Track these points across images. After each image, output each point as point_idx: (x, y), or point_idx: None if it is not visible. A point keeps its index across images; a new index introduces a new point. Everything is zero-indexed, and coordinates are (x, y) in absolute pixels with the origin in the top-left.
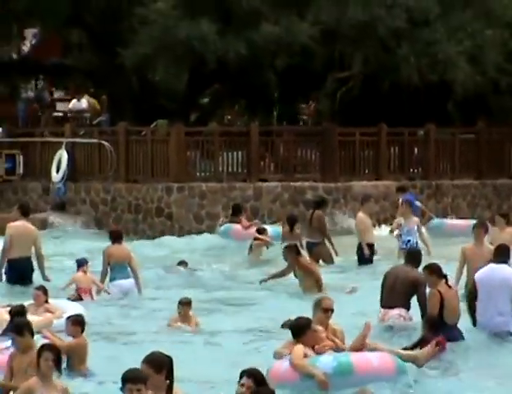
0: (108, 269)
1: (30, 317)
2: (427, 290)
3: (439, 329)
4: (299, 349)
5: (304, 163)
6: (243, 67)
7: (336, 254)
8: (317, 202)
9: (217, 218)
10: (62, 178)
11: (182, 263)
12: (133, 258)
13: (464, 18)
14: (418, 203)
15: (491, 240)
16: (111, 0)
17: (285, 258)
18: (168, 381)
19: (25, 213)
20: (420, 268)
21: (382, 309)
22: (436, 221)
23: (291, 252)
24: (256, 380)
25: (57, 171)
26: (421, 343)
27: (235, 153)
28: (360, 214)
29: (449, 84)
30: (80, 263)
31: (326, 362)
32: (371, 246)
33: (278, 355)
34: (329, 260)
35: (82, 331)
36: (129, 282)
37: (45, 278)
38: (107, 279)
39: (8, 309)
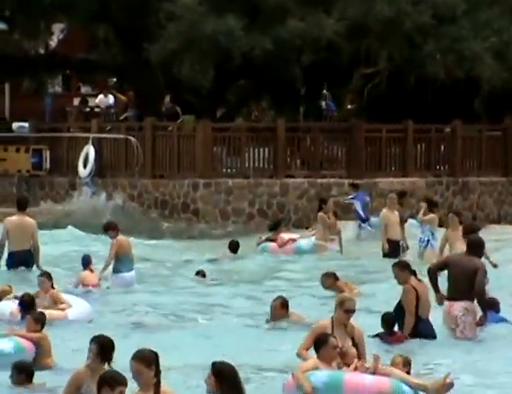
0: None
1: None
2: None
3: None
4: (309, 362)
5: (330, 160)
6: (269, 63)
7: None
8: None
9: (243, 214)
10: (89, 173)
11: (200, 272)
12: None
13: (490, 14)
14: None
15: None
16: None
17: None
18: (155, 377)
19: (21, 206)
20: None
21: (448, 302)
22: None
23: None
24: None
25: (84, 166)
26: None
27: (261, 149)
28: (384, 210)
29: (475, 80)
30: (85, 261)
31: (319, 376)
32: (395, 242)
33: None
34: None
35: (42, 328)
36: (131, 275)
37: (40, 270)
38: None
39: (15, 300)
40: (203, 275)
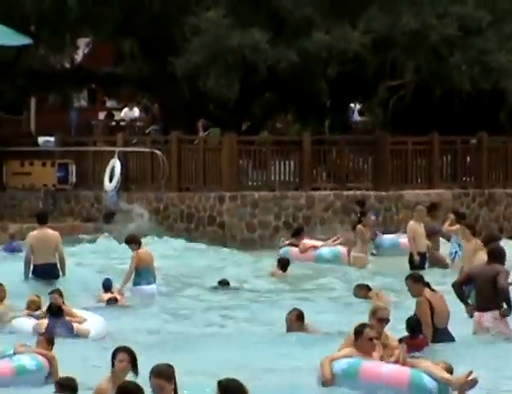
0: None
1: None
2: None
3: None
4: (341, 352)
5: (356, 172)
6: (294, 76)
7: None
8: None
9: (269, 227)
10: (115, 187)
11: (223, 282)
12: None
13: None
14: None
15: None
16: (163, 9)
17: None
18: (174, 391)
19: (41, 220)
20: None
21: (477, 312)
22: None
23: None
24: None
25: (110, 180)
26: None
27: (287, 161)
28: (412, 223)
29: (501, 92)
30: (106, 286)
31: (341, 364)
32: (422, 255)
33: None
34: None
35: (51, 349)
36: (151, 288)
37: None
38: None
39: (28, 317)
40: (227, 283)
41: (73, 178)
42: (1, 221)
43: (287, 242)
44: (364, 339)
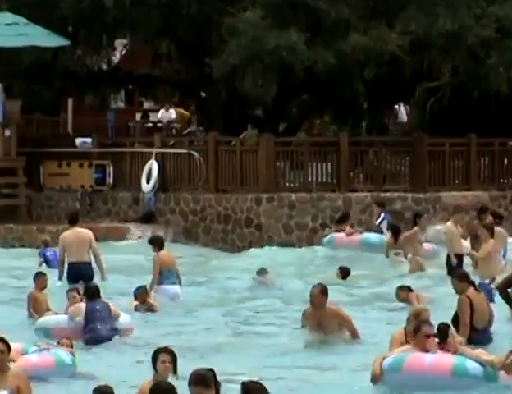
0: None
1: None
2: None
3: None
4: (397, 349)
5: (393, 174)
6: (331, 77)
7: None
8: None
9: (306, 229)
10: (153, 188)
11: (261, 270)
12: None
13: None
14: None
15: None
16: (200, 11)
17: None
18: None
19: (72, 221)
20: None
21: None
22: None
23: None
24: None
25: (147, 181)
26: None
27: (324, 163)
28: (449, 224)
29: None
30: (137, 295)
31: (389, 359)
32: (460, 257)
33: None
34: None
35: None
36: (175, 288)
37: (104, 278)
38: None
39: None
40: (265, 271)
41: (110, 179)
42: (38, 222)
43: (331, 230)
44: (420, 335)
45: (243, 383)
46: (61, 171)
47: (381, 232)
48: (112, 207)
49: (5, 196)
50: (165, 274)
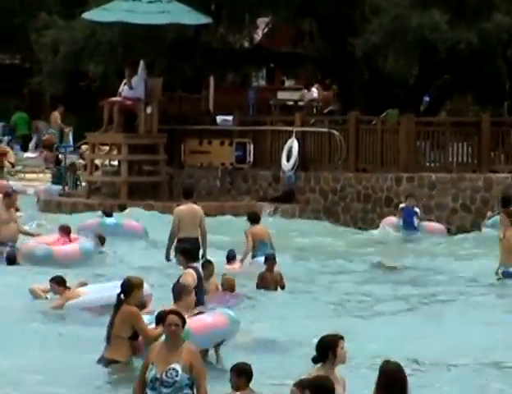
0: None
1: None
2: None
3: None
4: None
5: None
6: (474, 57)
7: None
8: None
9: (446, 209)
10: (293, 167)
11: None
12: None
13: None
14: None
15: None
16: None
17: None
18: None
19: (187, 195)
20: None
21: None
22: None
23: None
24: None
25: (288, 159)
26: None
27: (465, 143)
28: None
29: None
30: (230, 256)
31: None
32: None
33: None
34: None
35: None
36: None
37: (204, 257)
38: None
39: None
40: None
41: (251, 157)
42: (178, 199)
43: (496, 212)
44: None
45: (383, 363)
46: (201, 149)
47: None
48: (251, 185)
49: (146, 173)
50: (259, 247)
